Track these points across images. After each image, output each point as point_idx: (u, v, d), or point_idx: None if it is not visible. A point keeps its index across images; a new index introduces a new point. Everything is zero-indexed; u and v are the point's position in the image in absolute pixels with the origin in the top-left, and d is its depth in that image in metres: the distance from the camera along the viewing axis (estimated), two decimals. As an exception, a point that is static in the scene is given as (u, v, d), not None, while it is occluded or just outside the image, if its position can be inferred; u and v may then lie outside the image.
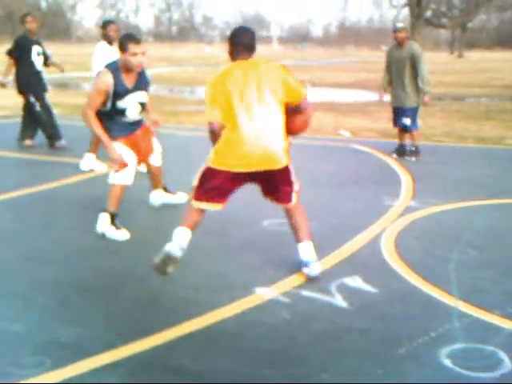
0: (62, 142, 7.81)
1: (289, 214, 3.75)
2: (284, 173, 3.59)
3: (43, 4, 54.79)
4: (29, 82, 7.67)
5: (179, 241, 3.57)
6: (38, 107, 7.69)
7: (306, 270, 3.66)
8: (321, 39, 68.23)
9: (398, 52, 7.16)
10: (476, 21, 52.89)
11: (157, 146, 4.91)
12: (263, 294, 3.41)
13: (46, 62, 7.96)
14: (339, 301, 3.32)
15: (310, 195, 5.67)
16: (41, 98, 7.74)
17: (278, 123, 3.53)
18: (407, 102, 7.14)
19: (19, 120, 8.19)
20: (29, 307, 3.26)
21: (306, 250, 3.71)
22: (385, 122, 10.85)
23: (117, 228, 4.41)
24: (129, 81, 4.42)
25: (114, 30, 6.52)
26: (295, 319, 3.13)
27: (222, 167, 3.52)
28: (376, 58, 40.73)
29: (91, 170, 6.49)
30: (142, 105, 4.60)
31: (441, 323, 3.07)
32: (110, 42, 6.48)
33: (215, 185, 3.57)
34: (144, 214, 5.11)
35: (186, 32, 65.05)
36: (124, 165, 4.43)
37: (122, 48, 4.31)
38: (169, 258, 3.51)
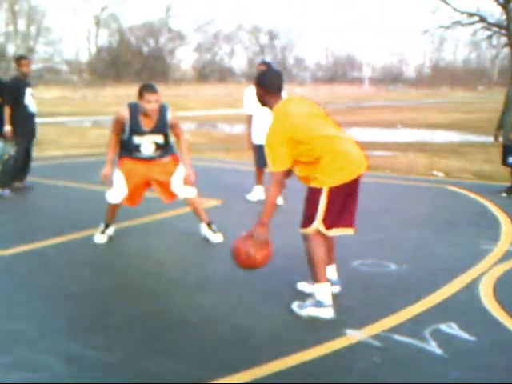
0: (6, 192, 7.34)
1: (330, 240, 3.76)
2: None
3: (145, 49, 57.71)
4: (17, 126, 7.30)
5: (329, 300, 3.59)
6: (12, 152, 7.44)
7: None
8: (413, 80, 67.03)
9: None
10: None
11: (178, 177, 5.10)
12: (353, 335, 3.31)
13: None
14: (434, 347, 3.16)
15: (403, 237, 5.53)
16: (21, 145, 7.44)
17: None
18: None
19: (100, 157, 8.16)
20: (122, 339, 3.33)
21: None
22: (480, 163, 10.47)
23: None
24: (145, 123, 4.90)
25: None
26: (386, 364, 3.01)
27: (340, 181, 3.49)
28: (471, 99, 39.59)
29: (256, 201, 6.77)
30: (157, 144, 5.04)
31: (548, 378, 2.85)
32: None
33: (340, 204, 3.54)
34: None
35: (278, 73, 66.07)
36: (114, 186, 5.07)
37: (139, 95, 4.80)
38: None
